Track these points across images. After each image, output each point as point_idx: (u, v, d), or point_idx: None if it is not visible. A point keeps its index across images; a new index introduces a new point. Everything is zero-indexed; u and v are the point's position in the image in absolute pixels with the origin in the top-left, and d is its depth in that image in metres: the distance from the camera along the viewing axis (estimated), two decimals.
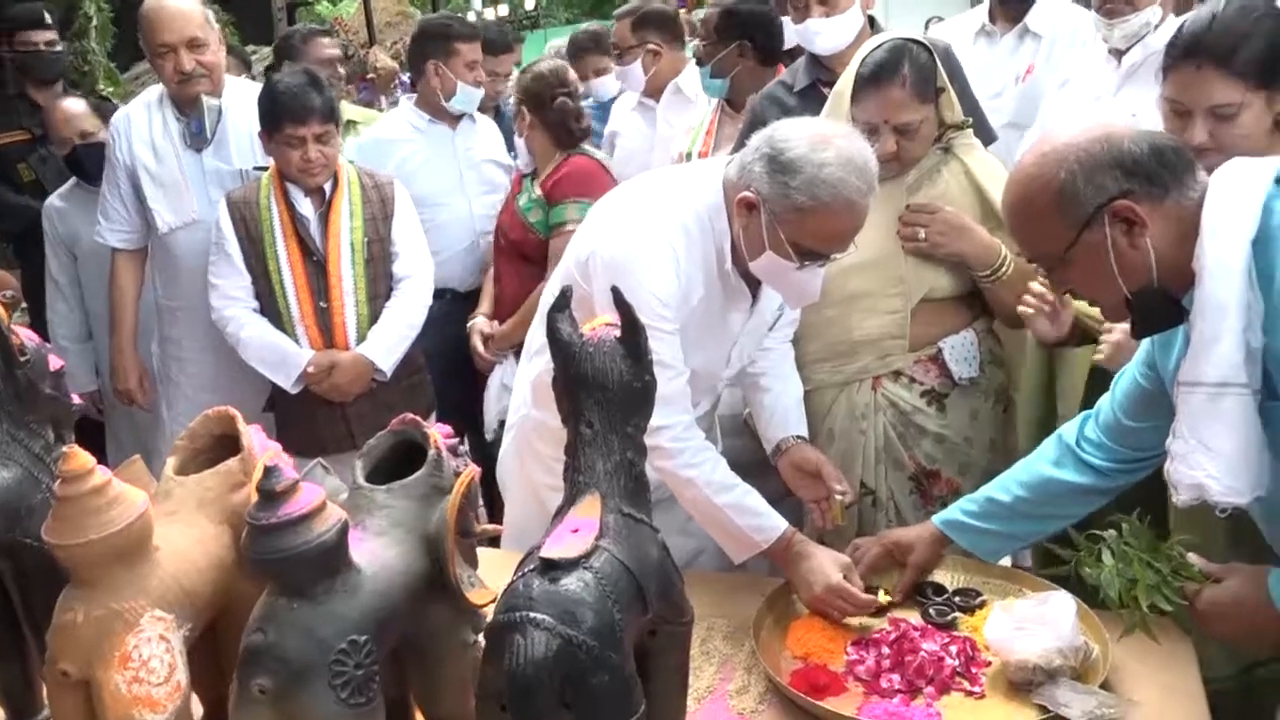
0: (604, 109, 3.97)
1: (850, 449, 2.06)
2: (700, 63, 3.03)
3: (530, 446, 2.07)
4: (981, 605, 1.67)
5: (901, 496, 2.06)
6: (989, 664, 1.53)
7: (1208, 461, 1.27)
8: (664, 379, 1.47)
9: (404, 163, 3.03)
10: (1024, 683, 1.46)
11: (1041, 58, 3.02)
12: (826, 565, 1.69)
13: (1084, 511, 1.65)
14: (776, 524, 1.75)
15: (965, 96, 2.45)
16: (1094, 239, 1.31)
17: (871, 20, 2.61)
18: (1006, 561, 2.27)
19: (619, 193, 1.97)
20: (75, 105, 3.26)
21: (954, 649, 1.55)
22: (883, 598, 1.68)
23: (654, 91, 3.51)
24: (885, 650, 1.56)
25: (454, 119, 3.20)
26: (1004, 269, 1.98)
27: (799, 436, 1.96)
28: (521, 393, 2.12)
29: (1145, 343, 1.52)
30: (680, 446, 1.75)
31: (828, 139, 1.67)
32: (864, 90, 1.96)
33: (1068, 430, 1.69)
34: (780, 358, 2.04)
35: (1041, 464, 1.69)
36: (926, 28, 5.86)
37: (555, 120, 2.85)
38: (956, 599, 1.70)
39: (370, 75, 4.46)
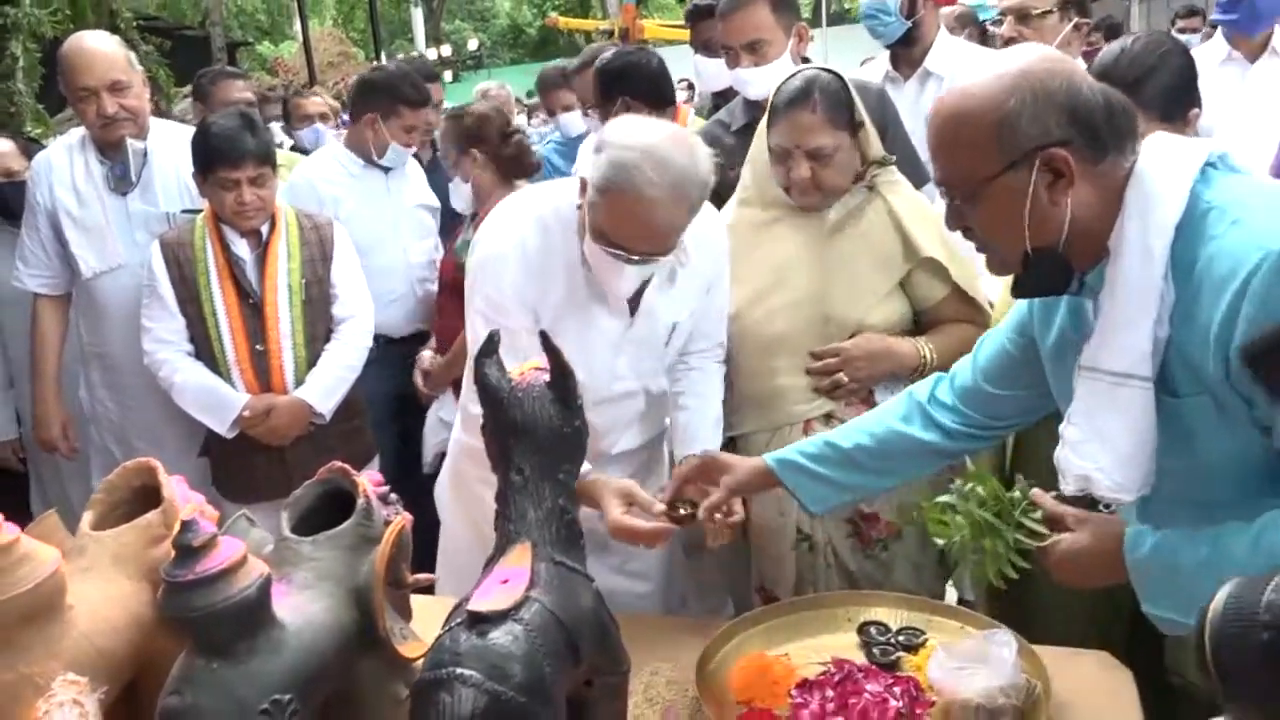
0: (570, 146, 3.98)
1: (783, 497, 2.03)
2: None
3: (462, 471, 2.08)
4: (924, 644, 1.66)
5: (839, 540, 2.03)
6: (933, 704, 1.52)
7: (1100, 453, 1.23)
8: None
9: (335, 206, 2.95)
10: None
11: None
12: (608, 502, 1.69)
13: (922, 471, 1.65)
14: None
15: (899, 138, 2.50)
16: (1016, 180, 1.22)
17: (805, 63, 2.64)
18: (951, 597, 2.27)
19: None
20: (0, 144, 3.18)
21: (898, 690, 1.53)
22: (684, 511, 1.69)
23: None
24: (829, 693, 1.54)
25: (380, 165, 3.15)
26: (928, 363, 1.99)
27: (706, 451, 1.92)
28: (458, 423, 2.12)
29: (1018, 310, 1.49)
30: None
31: (651, 133, 1.67)
32: (777, 116, 1.98)
33: (920, 388, 1.65)
34: (702, 377, 2.02)
35: (889, 417, 1.64)
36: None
37: (511, 154, 2.85)
38: (900, 638, 1.69)
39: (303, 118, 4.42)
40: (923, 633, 1.68)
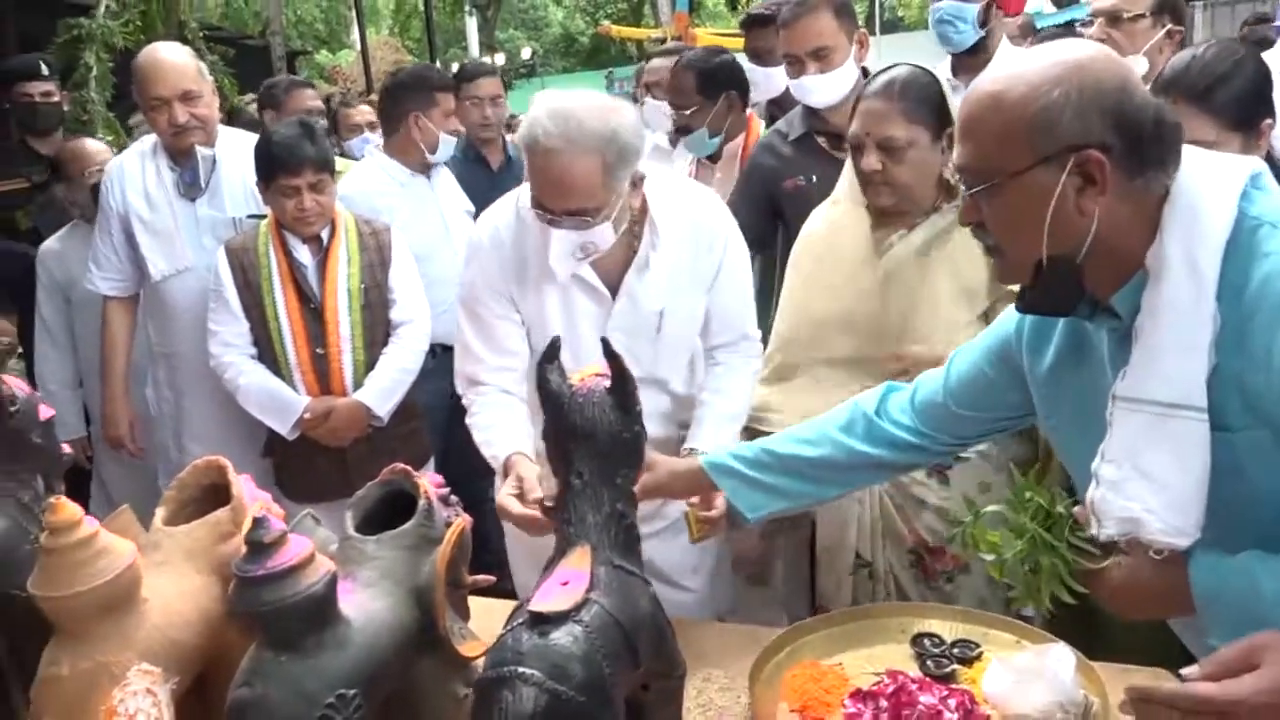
0: None
1: (844, 519, 2.00)
2: (687, 128, 3.01)
3: None
4: (979, 657, 1.65)
5: (901, 570, 2.00)
6: (988, 717, 1.51)
7: (1147, 493, 1.12)
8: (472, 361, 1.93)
9: (390, 216, 2.95)
10: None
11: None
12: (503, 480, 1.78)
13: (864, 483, 1.60)
14: (497, 453, 1.84)
15: None
16: (1044, 179, 1.12)
17: (865, 71, 2.64)
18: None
19: None
20: (94, 144, 3.30)
21: (952, 702, 1.52)
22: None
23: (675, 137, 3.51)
24: (883, 703, 1.53)
25: (425, 170, 3.17)
26: None
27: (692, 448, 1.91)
28: None
29: (999, 329, 1.42)
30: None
31: (568, 97, 1.72)
32: (858, 104, 1.96)
33: (867, 399, 1.59)
34: (725, 371, 2.02)
35: (829, 426, 1.58)
36: None
37: None
38: (954, 650, 1.67)
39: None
40: (978, 646, 1.67)
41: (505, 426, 1.87)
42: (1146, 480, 1.13)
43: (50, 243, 3.24)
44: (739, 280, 2.00)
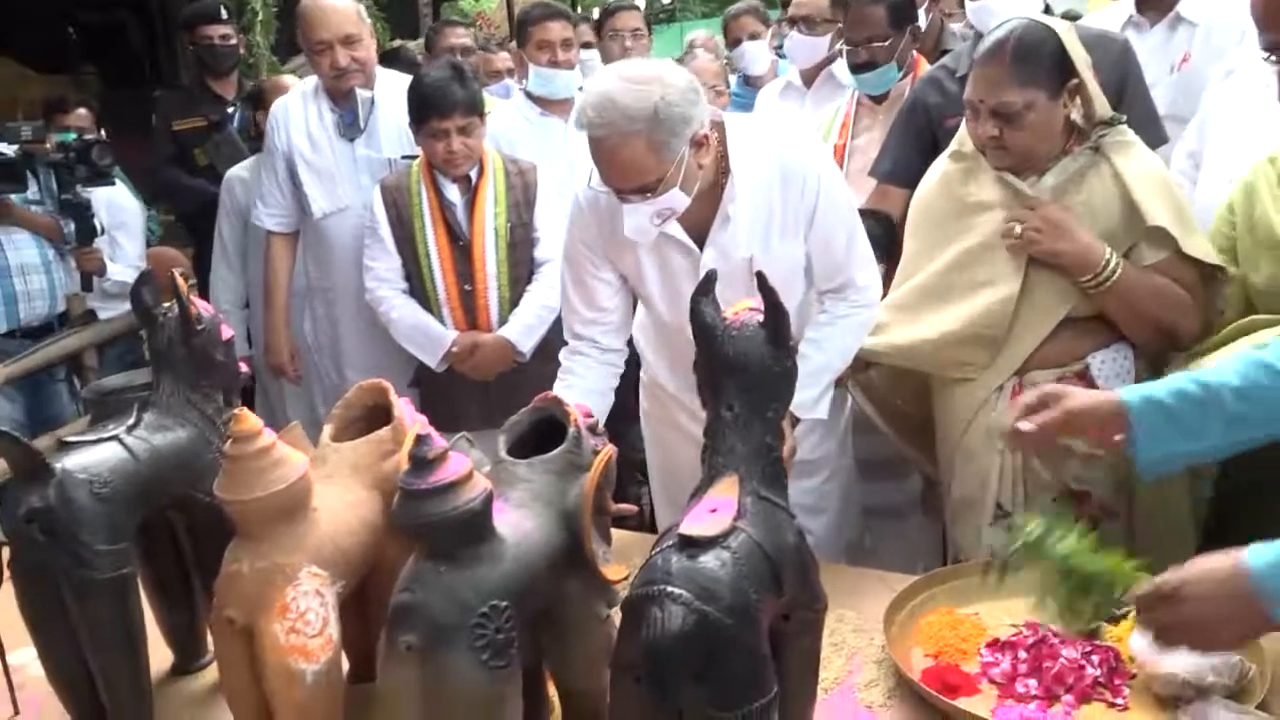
0: (747, 95, 3.86)
1: (985, 469, 1.97)
2: (873, 62, 2.81)
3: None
4: (1126, 615, 1.60)
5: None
6: (1133, 676, 1.47)
7: None
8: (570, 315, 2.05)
9: (512, 151, 2.97)
10: (1171, 698, 1.40)
11: (1199, 45, 2.84)
12: None
13: (1228, 443, 1.44)
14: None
15: (1139, 95, 2.34)
16: None
17: (1047, 6, 2.50)
18: None
19: None
20: (292, 79, 3.54)
21: (1096, 658, 1.49)
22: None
23: (809, 80, 3.40)
24: (1022, 654, 1.51)
25: (563, 107, 3.12)
26: (1107, 275, 1.85)
27: None
28: None
29: None
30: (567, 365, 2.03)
31: (615, 74, 1.73)
32: (974, 68, 1.90)
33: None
34: (826, 322, 1.99)
35: (1257, 354, 1.44)
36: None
37: None
38: None
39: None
40: (1125, 604, 1.62)
41: (578, 390, 1.92)
42: None
43: (238, 170, 3.42)
44: (838, 223, 1.93)
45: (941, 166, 2.08)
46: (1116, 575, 1.44)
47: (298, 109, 2.99)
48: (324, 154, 2.94)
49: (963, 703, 1.43)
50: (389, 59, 4.03)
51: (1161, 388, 1.48)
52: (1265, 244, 1.84)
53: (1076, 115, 1.91)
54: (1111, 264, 1.86)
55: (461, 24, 4.38)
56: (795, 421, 1.95)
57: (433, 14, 11.80)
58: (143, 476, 1.42)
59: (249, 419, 1.25)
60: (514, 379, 2.69)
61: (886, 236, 2.28)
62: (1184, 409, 1.44)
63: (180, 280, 1.50)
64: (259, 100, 3.45)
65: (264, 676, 1.25)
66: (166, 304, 1.54)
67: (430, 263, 2.69)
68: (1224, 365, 1.50)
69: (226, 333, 1.56)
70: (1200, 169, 2.29)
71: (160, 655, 1.60)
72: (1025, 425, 1.50)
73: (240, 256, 3.40)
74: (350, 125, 2.92)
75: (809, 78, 3.41)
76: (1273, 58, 1.19)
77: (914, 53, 2.88)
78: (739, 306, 1.14)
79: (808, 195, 1.90)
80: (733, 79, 3.95)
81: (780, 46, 4.07)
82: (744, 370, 1.10)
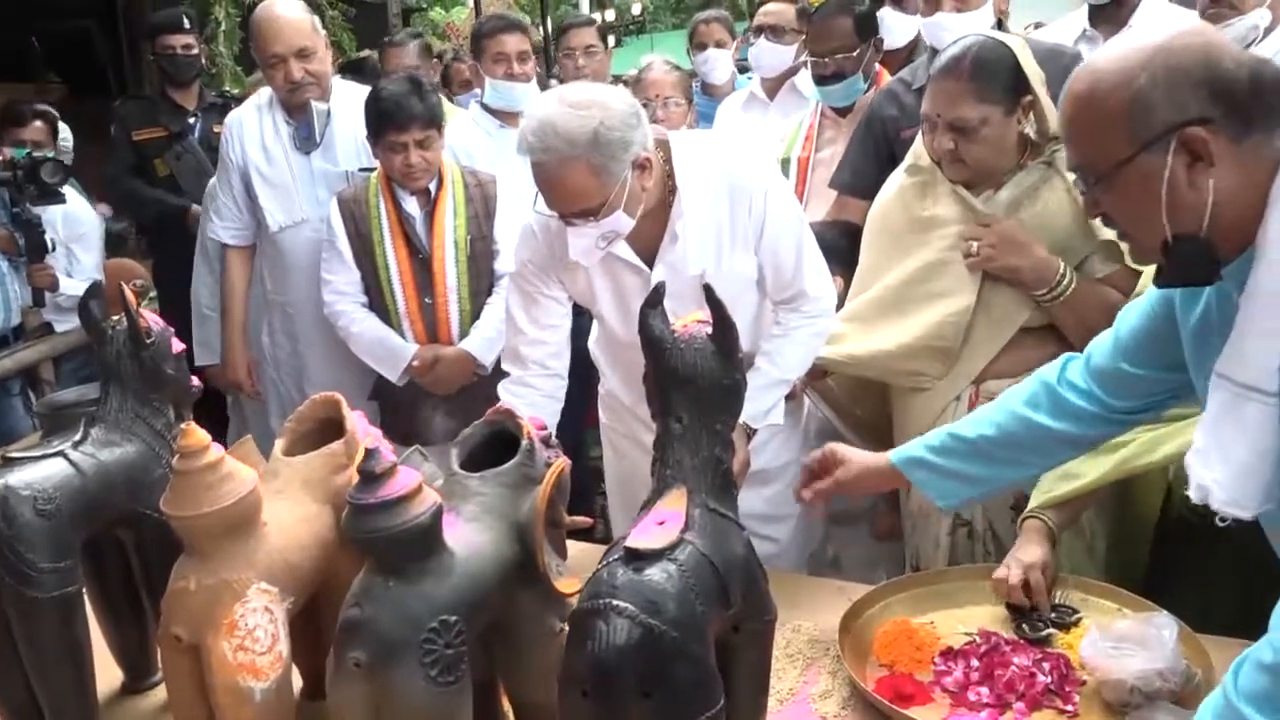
0: (705, 104, 3.86)
1: None
2: (840, 74, 2.81)
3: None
4: (1078, 623, 1.62)
5: (1001, 526, 1.97)
6: (1083, 683, 1.49)
7: (1219, 464, 1.16)
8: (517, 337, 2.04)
9: (470, 163, 2.95)
10: (1120, 704, 1.42)
11: None
12: None
13: (1054, 461, 1.57)
14: None
15: None
16: (1152, 163, 1.13)
17: (1000, 22, 2.54)
18: None
19: None
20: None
21: (1047, 665, 1.51)
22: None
23: (771, 88, 3.42)
24: (974, 662, 1.53)
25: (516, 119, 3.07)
26: (1062, 289, 1.89)
27: None
28: None
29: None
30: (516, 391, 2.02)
31: (556, 99, 1.74)
32: (930, 82, 1.94)
33: (1048, 370, 1.56)
34: (779, 334, 2.00)
35: (1014, 402, 1.56)
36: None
37: None
38: (1052, 615, 1.65)
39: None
40: (1076, 611, 1.64)
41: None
42: (1221, 452, 1.17)
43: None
44: (787, 236, 1.95)
45: (898, 180, 2.11)
46: None
47: (252, 121, 2.96)
48: (280, 167, 2.92)
49: (916, 712, 1.44)
50: (355, 69, 4.02)
51: (920, 445, 1.63)
52: None
53: (1030, 130, 1.94)
54: (1066, 278, 1.90)
55: (416, 37, 4.32)
56: (750, 433, 1.96)
57: (402, 24, 11.78)
58: (89, 493, 1.40)
59: (196, 433, 1.24)
60: (475, 392, 2.68)
61: (849, 249, 2.30)
62: (946, 463, 1.60)
63: (129, 293, 1.48)
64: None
65: (212, 695, 1.24)
66: (116, 317, 1.52)
67: (390, 276, 2.68)
68: (984, 415, 1.61)
69: (177, 346, 1.54)
70: None
71: (110, 674, 1.57)
72: (806, 494, 1.71)
73: (221, 259, 3.36)
74: (306, 138, 2.90)
75: (771, 90, 3.43)
76: (1079, 180, 1.26)
77: (877, 65, 2.91)
78: (688, 319, 1.14)
79: (755, 210, 1.91)
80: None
81: (744, 58, 4.10)
82: (692, 383, 1.10)
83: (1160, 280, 1.27)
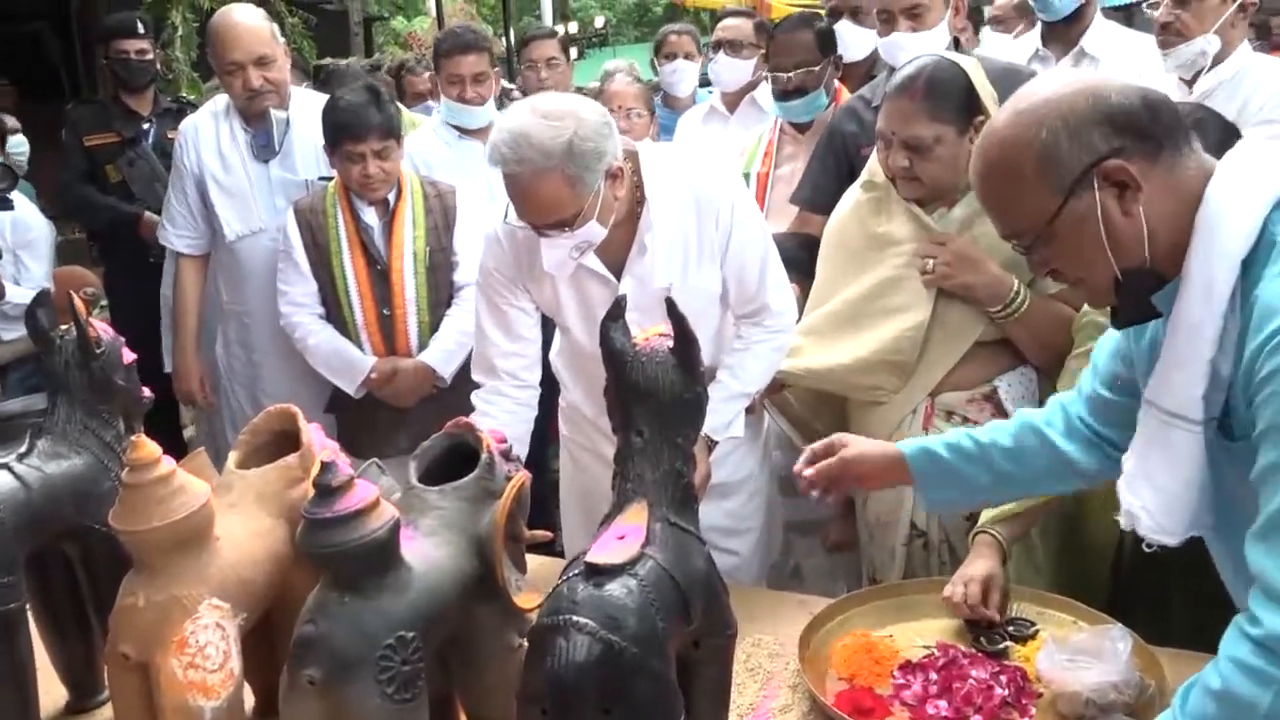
0: (666, 117, 3.88)
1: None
2: (802, 88, 2.83)
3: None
4: (1034, 635, 1.64)
5: (956, 537, 1.98)
6: (1039, 695, 1.50)
7: (1146, 491, 1.18)
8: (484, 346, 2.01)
9: (429, 173, 2.94)
10: (1075, 716, 1.43)
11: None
12: None
13: (1053, 487, 1.57)
14: None
15: None
16: (1081, 207, 1.15)
17: (956, 41, 2.58)
18: None
19: None
20: None
21: (1004, 678, 1.52)
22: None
23: (731, 102, 3.45)
24: (933, 676, 1.53)
25: (482, 133, 3.09)
26: (1016, 305, 1.92)
27: None
28: None
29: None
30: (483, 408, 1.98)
31: (528, 109, 1.73)
32: (885, 100, 1.96)
33: (1065, 393, 1.56)
34: (740, 347, 2.00)
35: (1033, 416, 1.56)
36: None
37: None
38: (1009, 628, 1.66)
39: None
40: (1033, 624, 1.66)
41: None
42: (1147, 480, 1.19)
43: None
44: (753, 250, 1.96)
45: (854, 196, 2.13)
46: None
47: (208, 128, 2.92)
48: (237, 175, 2.88)
49: None
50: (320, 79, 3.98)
51: (940, 441, 1.58)
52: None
53: None
54: (1019, 295, 1.93)
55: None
56: (712, 446, 1.96)
57: (363, 33, 11.72)
58: (34, 506, 1.37)
59: (146, 446, 1.21)
60: (433, 405, 2.65)
61: (810, 260, 2.32)
62: (957, 463, 1.55)
63: (78, 301, 1.45)
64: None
65: (161, 714, 1.21)
66: (65, 326, 1.49)
67: (347, 287, 2.64)
68: (999, 425, 1.60)
69: (128, 356, 1.51)
70: None
71: (55, 693, 1.53)
72: (807, 471, 1.61)
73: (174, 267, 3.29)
74: (265, 146, 2.86)
75: (731, 104, 3.46)
76: (1017, 248, 1.27)
77: (836, 82, 2.94)
78: (649, 332, 1.14)
79: (722, 223, 1.91)
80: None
81: (705, 73, 4.12)
82: (653, 396, 1.10)
83: (1118, 322, 1.28)
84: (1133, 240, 1.16)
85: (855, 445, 1.61)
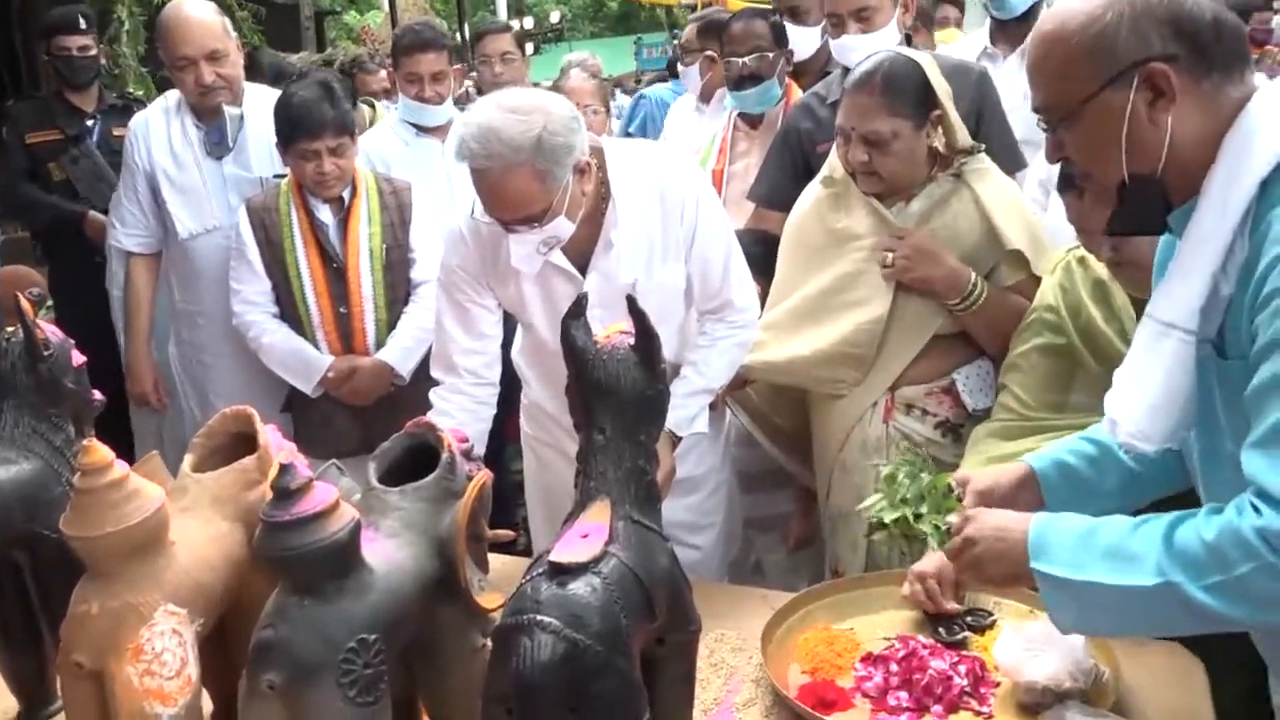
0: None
1: (864, 483, 2.02)
2: (757, 75, 2.85)
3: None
4: (992, 625, 1.66)
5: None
6: (998, 684, 1.52)
7: (1134, 397, 1.19)
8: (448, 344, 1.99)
9: (386, 172, 2.90)
10: (1033, 704, 1.45)
11: None
12: None
13: (1120, 503, 1.41)
14: None
15: (995, 121, 2.44)
16: (1115, 100, 1.15)
17: (908, 38, 2.60)
18: None
19: None
20: None
21: (963, 668, 1.54)
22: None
23: (707, 97, 3.51)
24: (894, 667, 1.55)
25: (440, 130, 3.08)
26: (974, 298, 1.95)
27: None
28: None
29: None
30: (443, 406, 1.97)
31: (495, 104, 1.72)
32: (844, 96, 1.99)
33: None
34: (704, 343, 2.01)
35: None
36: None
37: None
38: (967, 618, 1.69)
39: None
40: (991, 614, 1.68)
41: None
42: (1136, 385, 1.20)
43: None
44: (716, 246, 1.96)
45: (814, 192, 2.14)
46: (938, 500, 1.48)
47: (159, 125, 2.86)
48: (190, 172, 2.82)
49: (838, 718, 1.46)
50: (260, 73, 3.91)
51: (1062, 448, 1.50)
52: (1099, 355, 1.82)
53: (939, 144, 2.00)
54: (977, 288, 1.95)
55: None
56: (676, 441, 1.97)
57: (314, 27, 11.55)
58: None
59: (98, 450, 1.18)
60: (391, 403, 2.63)
61: (766, 256, 2.33)
62: (1082, 468, 1.46)
63: (24, 302, 1.42)
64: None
65: None
66: (11, 328, 1.45)
67: (302, 285, 2.61)
68: (1087, 430, 1.52)
69: (77, 359, 1.48)
70: (1050, 195, 2.41)
71: (5, 704, 1.50)
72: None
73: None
74: (218, 143, 2.81)
75: (707, 97, 3.51)
76: (1042, 123, 1.26)
77: (788, 79, 2.96)
78: (611, 330, 1.14)
79: (687, 219, 1.92)
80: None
81: None
82: (614, 394, 1.10)
83: (1111, 227, 1.27)
84: (1151, 148, 1.16)
85: (981, 478, 1.50)
